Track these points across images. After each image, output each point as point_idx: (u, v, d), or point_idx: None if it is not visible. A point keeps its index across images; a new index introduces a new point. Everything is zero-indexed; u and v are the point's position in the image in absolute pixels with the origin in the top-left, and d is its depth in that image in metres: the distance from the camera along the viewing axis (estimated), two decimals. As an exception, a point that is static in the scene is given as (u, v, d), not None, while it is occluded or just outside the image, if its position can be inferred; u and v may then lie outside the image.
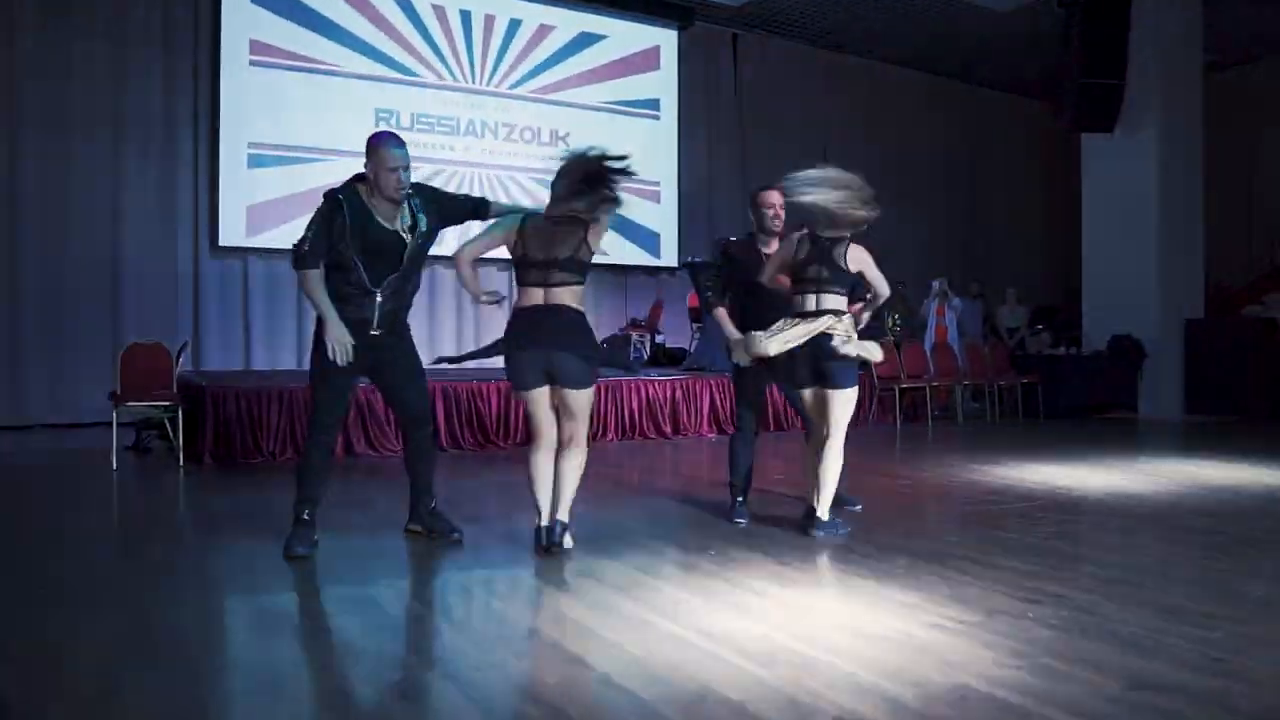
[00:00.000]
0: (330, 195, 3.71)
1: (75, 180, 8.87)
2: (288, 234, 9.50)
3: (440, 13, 10.59)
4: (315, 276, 3.66)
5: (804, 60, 13.28)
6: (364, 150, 3.74)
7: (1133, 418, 10.64)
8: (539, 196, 11.04)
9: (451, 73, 10.66)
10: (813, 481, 4.19)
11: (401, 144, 3.77)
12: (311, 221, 3.71)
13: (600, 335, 11.38)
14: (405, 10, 10.39)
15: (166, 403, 6.31)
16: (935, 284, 11.57)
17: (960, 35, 12.81)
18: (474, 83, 10.78)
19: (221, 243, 9.45)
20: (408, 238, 3.78)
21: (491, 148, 10.87)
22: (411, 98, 10.41)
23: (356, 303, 3.72)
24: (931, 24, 12.43)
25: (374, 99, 10.18)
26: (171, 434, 6.39)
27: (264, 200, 9.60)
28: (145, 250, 9.17)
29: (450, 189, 10.47)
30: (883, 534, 4.22)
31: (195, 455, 6.32)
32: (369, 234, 3.69)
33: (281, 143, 9.70)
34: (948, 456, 7.18)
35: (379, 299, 3.74)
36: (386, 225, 3.74)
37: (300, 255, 3.66)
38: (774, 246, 4.42)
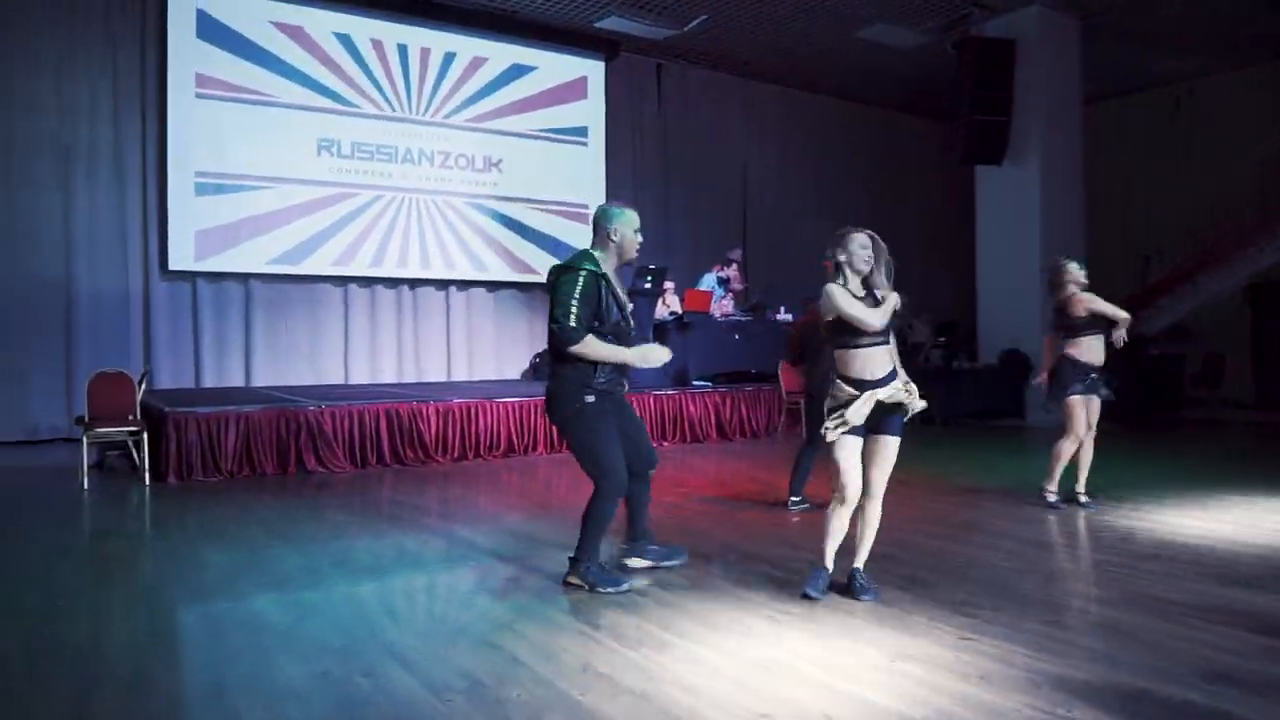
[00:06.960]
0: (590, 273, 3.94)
1: (24, 208, 9.28)
2: (234, 258, 10.17)
3: (379, 46, 11.21)
4: (590, 340, 3.90)
5: (723, 88, 14.15)
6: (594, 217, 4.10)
7: (1021, 425, 11.72)
8: (472, 219, 11.80)
9: (389, 103, 11.28)
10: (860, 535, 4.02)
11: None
12: (576, 297, 3.88)
13: (535, 352, 12.19)
14: (344, 44, 10.98)
15: (133, 428, 6.89)
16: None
17: (867, 68, 13.81)
18: (411, 112, 11.41)
19: (171, 267, 9.96)
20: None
21: (428, 174, 11.53)
22: (351, 127, 11.00)
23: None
24: (840, 57, 13.40)
25: (315, 129, 10.77)
26: (136, 455, 6.97)
27: (211, 226, 10.13)
28: (97, 274, 9.63)
29: (390, 213, 11.23)
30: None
31: (159, 474, 6.92)
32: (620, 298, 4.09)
33: (227, 171, 10.23)
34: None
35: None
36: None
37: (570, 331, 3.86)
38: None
